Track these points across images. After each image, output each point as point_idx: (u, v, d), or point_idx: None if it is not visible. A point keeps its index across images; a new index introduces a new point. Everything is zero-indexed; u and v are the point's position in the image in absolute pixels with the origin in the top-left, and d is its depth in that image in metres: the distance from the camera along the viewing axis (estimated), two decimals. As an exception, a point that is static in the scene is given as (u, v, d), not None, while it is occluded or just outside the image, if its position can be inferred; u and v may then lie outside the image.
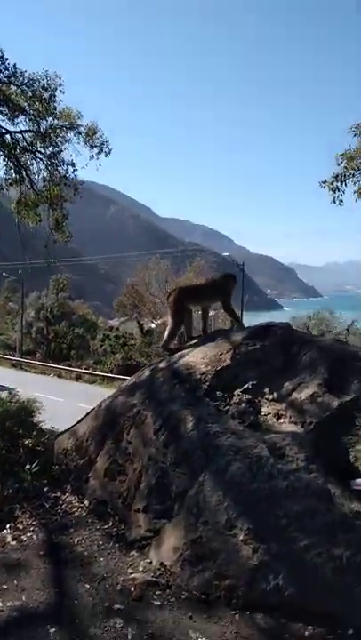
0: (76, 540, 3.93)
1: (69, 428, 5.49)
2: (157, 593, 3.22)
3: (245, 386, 4.38)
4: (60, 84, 11.02)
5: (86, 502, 4.53)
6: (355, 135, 9.93)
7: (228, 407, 4.26)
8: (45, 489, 4.78)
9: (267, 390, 4.31)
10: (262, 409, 4.18)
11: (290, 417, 3.98)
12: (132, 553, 3.75)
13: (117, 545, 3.87)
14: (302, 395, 4.08)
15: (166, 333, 5.41)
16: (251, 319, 5.76)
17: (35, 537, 4.00)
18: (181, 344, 5.60)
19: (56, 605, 3.10)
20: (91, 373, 31.25)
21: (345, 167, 9.92)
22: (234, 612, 3.00)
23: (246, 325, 5.47)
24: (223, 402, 4.32)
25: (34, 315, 44.47)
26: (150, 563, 3.57)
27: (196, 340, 5.34)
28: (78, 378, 31.03)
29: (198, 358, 4.78)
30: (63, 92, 11.15)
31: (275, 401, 4.20)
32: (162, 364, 5.05)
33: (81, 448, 4.89)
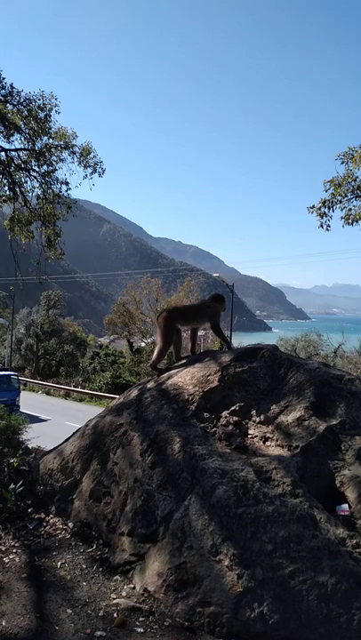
0: (59, 564, 3.87)
1: (55, 448, 5.43)
2: (140, 619, 3.17)
3: (233, 407, 4.40)
4: (56, 105, 11.26)
5: (70, 524, 4.47)
6: (342, 163, 10.20)
7: (215, 429, 4.26)
8: (29, 510, 4.71)
9: (254, 412, 4.33)
10: (249, 431, 4.19)
11: (276, 440, 3.99)
12: (115, 577, 3.69)
13: (101, 569, 3.81)
14: (289, 418, 4.10)
15: (155, 353, 5.42)
16: (240, 340, 5.77)
17: (17, 559, 3.93)
18: (170, 364, 5.62)
19: (37, 631, 3.03)
20: (79, 391, 31.02)
21: (332, 193, 10.15)
22: (218, 640, 2.95)
23: (236, 346, 5.50)
24: (210, 423, 4.33)
25: (24, 331, 44.22)
26: (134, 588, 3.52)
27: (184, 361, 5.36)
28: (67, 395, 30.78)
29: (186, 379, 4.79)
30: (58, 113, 11.38)
31: (261, 423, 4.21)
32: (150, 384, 5.05)
33: (67, 468, 4.83)
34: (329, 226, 10.39)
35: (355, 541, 3.16)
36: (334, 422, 3.96)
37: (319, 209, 10.27)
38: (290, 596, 2.93)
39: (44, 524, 4.55)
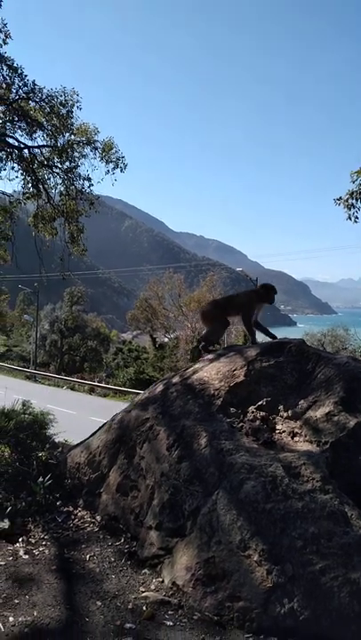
0: (87, 556, 3.90)
1: (82, 442, 5.49)
2: (169, 613, 3.17)
3: (259, 402, 4.36)
4: (78, 101, 11.29)
5: (98, 518, 4.50)
6: (370, 152, 9.97)
7: (241, 424, 4.23)
8: (58, 503, 4.77)
9: (281, 407, 4.28)
10: (277, 426, 4.14)
11: (305, 435, 3.93)
12: (143, 571, 3.70)
13: (129, 562, 3.83)
14: (318, 413, 4.03)
15: (205, 338, 5.74)
16: (263, 335, 5.73)
17: (47, 551, 3.98)
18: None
19: (67, 622, 3.07)
20: (103, 386, 31.33)
21: (359, 184, 9.94)
22: (248, 636, 2.93)
23: (260, 341, 5.44)
24: (237, 418, 4.30)
25: (48, 327, 44.86)
26: (162, 582, 3.53)
27: (210, 356, 5.33)
28: (91, 391, 31.12)
29: (212, 374, 4.76)
30: (80, 109, 11.41)
31: (289, 419, 4.16)
32: (175, 379, 5.05)
33: (93, 462, 4.87)
34: (358, 217, 10.18)
35: (388, 538, 3.09)
36: (365, 418, 3.87)
37: (346, 200, 10.06)
38: (321, 592, 2.89)
39: (73, 517, 4.61)
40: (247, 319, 5.50)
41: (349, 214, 10.14)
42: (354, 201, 9.98)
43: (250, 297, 5.59)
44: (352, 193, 9.99)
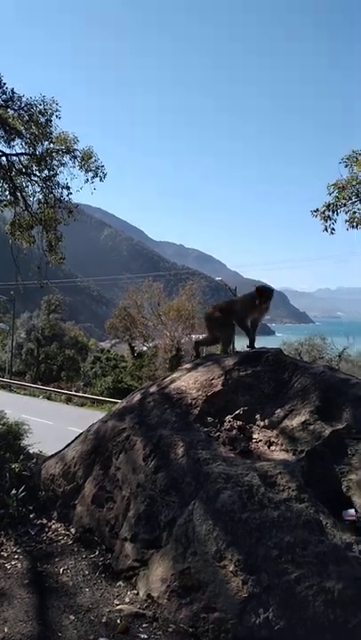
0: (61, 570, 3.83)
1: (57, 453, 5.40)
2: (144, 626, 3.13)
3: (237, 412, 4.36)
4: (57, 110, 11.26)
5: (73, 530, 4.43)
6: (346, 166, 10.17)
7: (218, 433, 4.23)
8: (31, 515, 4.68)
9: (258, 416, 4.29)
10: (253, 436, 4.15)
11: (281, 444, 3.95)
12: (118, 583, 3.65)
13: (104, 575, 3.78)
14: (294, 422, 4.06)
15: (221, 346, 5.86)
16: (242, 344, 5.74)
17: (19, 565, 3.89)
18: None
19: (39, 638, 3.00)
20: (81, 396, 30.96)
21: (336, 197, 10.12)
22: (223, 647, 2.91)
23: (238, 350, 5.47)
24: (214, 428, 4.30)
25: (24, 335, 44.24)
26: (137, 594, 3.48)
27: (188, 365, 5.33)
28: (68, 400, 30.70)
29: (190, 383, 4.76)
30: (59, 118, 11.39)
31: (266, 428, 4.17)
32: (153, 389, 5.03)
33: (68, 473, 4.80)
34: (334, 229, 10.34)
35: (362, 546, 3.11)
36: (340, 427, 3.92)
37: (323, 212, 10.22)
38: (296, 601, 2.88)
39: (46, 529, 4.52)
40: (240, 323, 5.48)
41: (326, 226, 10.31)
42: (330, 213, 10.16)
43: (245, 301, 5.57)
44: (329, 205, 10.17)
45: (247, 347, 5.42)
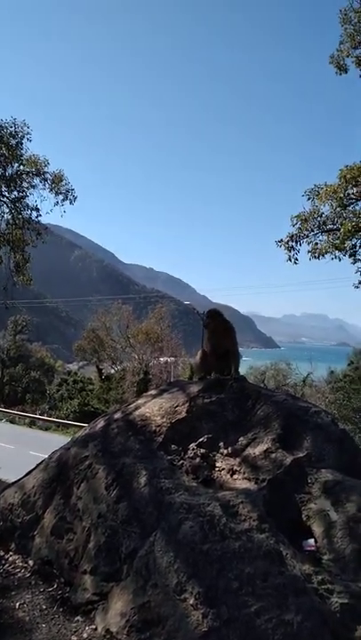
0: (17, 604, 3.69)
1: (17, 481, 5.25)
2: (101, 664, 3.04)
3: (200, 439, 4.37)
4: (28, 133, 11.36)
5: (31, 562, 4.29)
6: (308, 199, 10.57)
7: (182, 461, 4.21)
8: (-13, 548, 4.51)
9: (222, 444, 4.31)
10: (217, 464, 4.15)
11: (243, 473, 3.97)
12: (76, 618, 3.54)
13: (62, 609, 3.66)
14: (256, 450, 4.10)
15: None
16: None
17: (-27, 601, 3.73)
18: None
19: None
20: (45, 419, 30.30)
21: (299, 228, 10.47)
22: None
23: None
24: (178, 455, 4.28)
25: (-12, 356, 43.17)
26: (95, 629, 3.38)
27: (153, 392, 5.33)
28: (32, 424, 29.96)
29: (154, 410, 4.75)
30: (30, 140, 11.48)
31: (229, 455, 4.19)
32: (117, 415, 4.99)
33: (28, 503, 4.66)
34: (297, 259, 10.65)
35: (320, 577, 3.13)
36: (301, 455, 3.98)
37: (287, 243, 10.54)
38: (255, 635, 2.86)
39: (3, 561, 4.36)
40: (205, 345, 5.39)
41: (290, 256, 10.63)
42: (294, 244, 10.49)
43: (208, 324, 5.37)
44: (292, 236, 10.51)
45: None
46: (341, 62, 12.28)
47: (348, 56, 12.14)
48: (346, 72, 12.43)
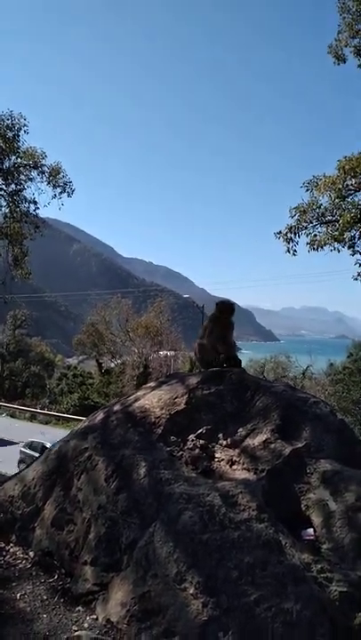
0: (18, 595, 3.70)
1: (17, 474, 5.27)
2: (102, 653, 3.06)
3: (200, 431, 4.38)
4: (25, 125, 11.27)
5: (31, 553, 4.31)
6: (307, 190, 10.53)
7: (181, 452, 4.22)
8: (-12, 539, 4.53)
9: (221, 435, 4.32)
10: (216, 455, 4.16)
11: (243, 463, 3.98)
12: (77, 608, 3.56)
13: (62, 600, 3.67)
14: (255, 441, 4.10)
15: None
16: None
17: (-26, 592, 3.75)
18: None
19: (-8, 670, 2.89)
20: (45, 413, 30.39)
21: (298, 220, 10.43)
22: (182, 672, 2.87)
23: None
24: (177, 447, 4.29)
25: (-12, 351, 43.18)
26: (96, 619, 3.40)
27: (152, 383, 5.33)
28: (32, 418, 30.04)
29: (153, 402, 4.75)
30: (27, 133, 11.40)
31: (228, 446, 4.20)
32: (116, 407, 4.99)
33: (28, 495, 4.68)
34: (296, 251, 10.62)
35: (319, 566, 3.15)
36: (300, 445, 3.99)
37: (285, 234, 10.51)
38: (255, 623, 2.88)
39: (4, 553, 4.37)
40: (208, 339, 5.42)
41: (288, 247, 10.60)
42: (292, 235, 10.46)
43: (213, 315, 5.53)
44: (291, 227, 10.47)
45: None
46: (340, 52, 12.21)
47: (346, 46, 12.05)
48: (344, 62, 12.36)
